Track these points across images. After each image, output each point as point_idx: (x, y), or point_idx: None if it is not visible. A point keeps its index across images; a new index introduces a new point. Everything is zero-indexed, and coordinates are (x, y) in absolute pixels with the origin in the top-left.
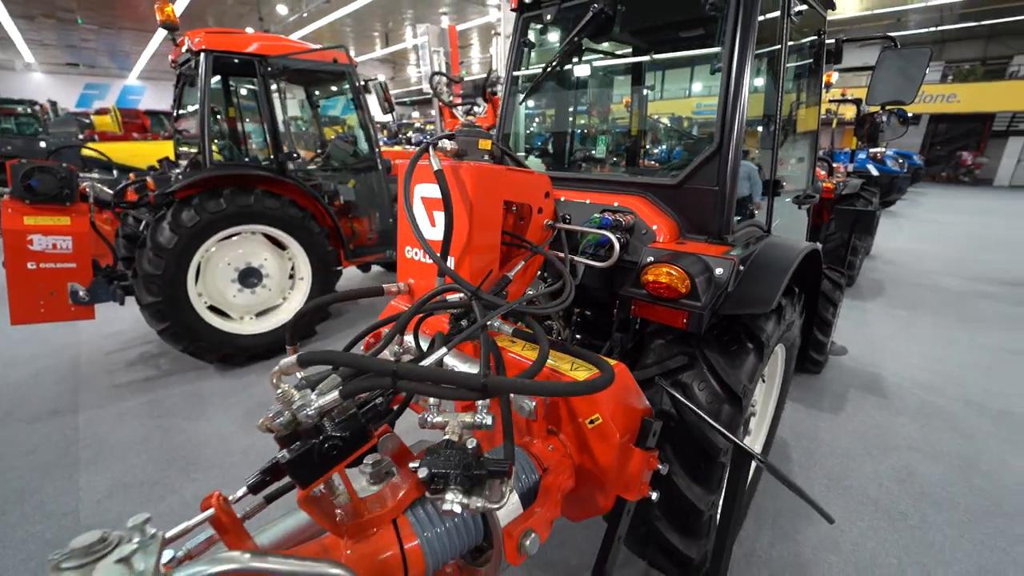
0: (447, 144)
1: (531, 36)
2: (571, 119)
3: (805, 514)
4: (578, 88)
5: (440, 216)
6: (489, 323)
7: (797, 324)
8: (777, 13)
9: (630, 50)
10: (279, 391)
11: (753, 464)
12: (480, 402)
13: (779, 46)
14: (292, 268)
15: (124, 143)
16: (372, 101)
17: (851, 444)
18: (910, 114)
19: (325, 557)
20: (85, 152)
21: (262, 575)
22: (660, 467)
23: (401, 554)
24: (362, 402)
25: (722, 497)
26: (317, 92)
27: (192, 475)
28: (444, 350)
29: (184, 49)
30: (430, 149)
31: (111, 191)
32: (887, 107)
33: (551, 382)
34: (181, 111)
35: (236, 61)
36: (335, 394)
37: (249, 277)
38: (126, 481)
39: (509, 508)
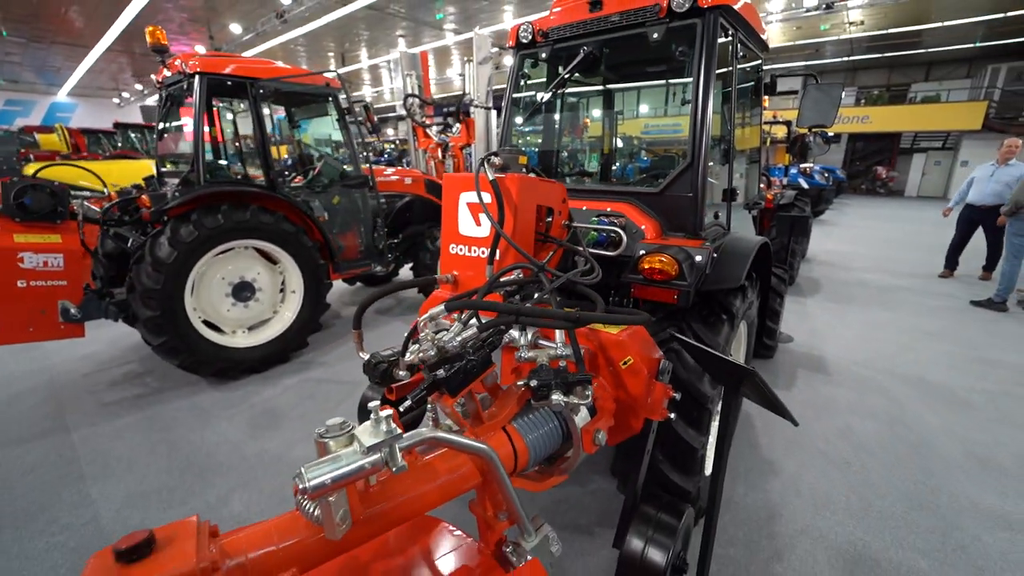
0: (495, 160)
1: (526, 69)
2: (559, 139)
3: (769, 470)
4: (567, 112)
5: (483, 217)
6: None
7: (755, 305)
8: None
9: (601, 81)
10: (425, 332)
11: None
12: (558, 339)
13: (729, 88)
14: (283, 282)
15: (68, 165)
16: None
17: (802, 411)
18: (831, 134)
19: None
20: (27, 172)
21: (447, 445)
22: (675, 395)
23: (513, 450)
24: (485, 337)
25: (712, 440)
26: (303, 113)
27: (209, 479)
28: (540, 296)
29: (175, 71)
30: (484, 164)
31: (98, 209)
32: (813, 129)
33: (621, 313)
34: (163, 130)
35: (229, 84)
36: (474, 330)
37: (243, 291)
38: (142, 490)
39: (582, 415)
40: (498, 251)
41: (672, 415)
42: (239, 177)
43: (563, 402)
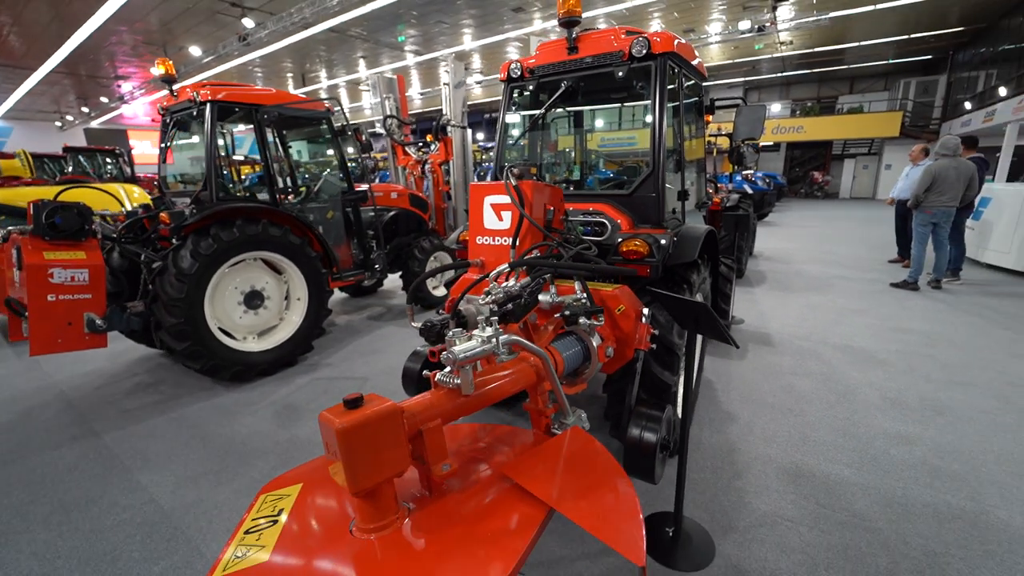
0: (514, 171)
1: (515, 97)
2: (543, 153)
3: (728, 419)
4: (549, 131)
5: (505, 214)
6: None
7: (707, 281)
8: (675, 85)
9: (576, 106)
10: (493, 284)
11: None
12: (578, 290)
13: (678, 111)
14: (287, 291)
15: (31, 187)
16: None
17: (752, 375)
18: (771, 143)
19: None
20: None
21: (523, 347)
22: (655, 331)
23: (554, 360)
24: (534, 284)
25: (682, 379)
26: (296, 135)
27: (251, 462)
28: (576, 250)
29: (183, 99)
30: (507, 173)
31: (113, 227)
32: (745, 141)
33: (618, 267)
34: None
35: (236, 110)
36: (528, 279)
37: (253, 299)
38: (189, 475)
39: (596, 339)
40: (519, 236)
41: (653, 346)
42: (246, 195)
43: (586, 324)
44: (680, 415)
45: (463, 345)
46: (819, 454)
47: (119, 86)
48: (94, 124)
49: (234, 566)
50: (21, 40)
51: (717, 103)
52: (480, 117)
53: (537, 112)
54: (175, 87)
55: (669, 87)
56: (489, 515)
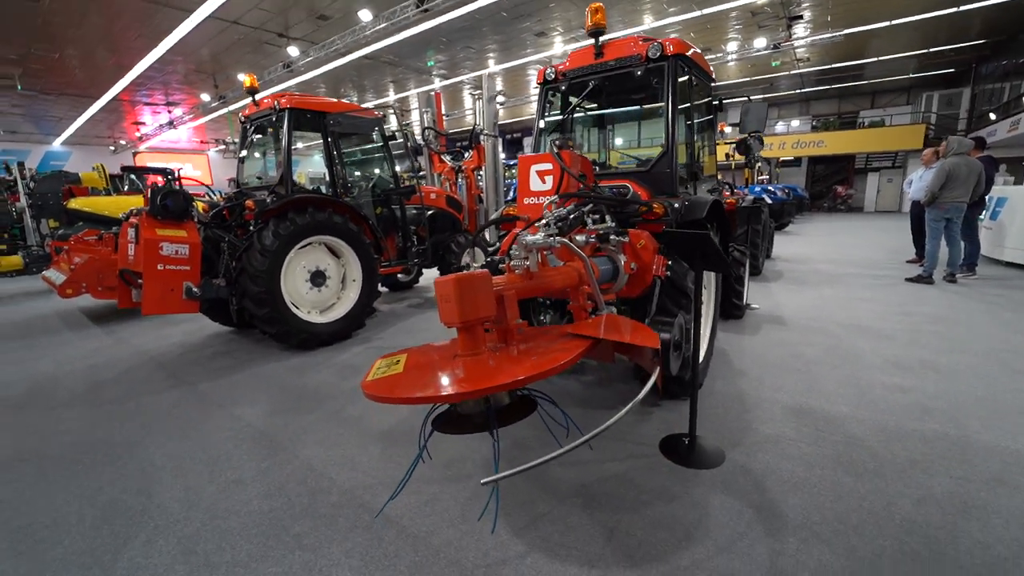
0: (557, 142)
1: (549, 97)
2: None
3: (739, 375)
4: (579, 128)
5: (548, 178)
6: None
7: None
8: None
9: (601, 106)
10: (546, 213)
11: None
12: (609, 222)
13: (689, 106)
14: (344, 274)
15: (107, 198)
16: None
17: (763, 346)
18: (792, 158)
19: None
20: (72, 207)
21: (570, 248)
22: (670, 263)
23: (588, 271)
24: (577, 212)
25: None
26: (354, 140)
27: (323, 402)
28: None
29: (264, 107)
30: (552, 146)
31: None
32: (752, 134)
33: (659, 200)
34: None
35: (309, 116)
36: (573, 207)
37: (317, 278)
38: (274, 409)
39: (622, 258)
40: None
41: (669, 273)
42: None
43: (615, 242)
44: (692, 350)
45: (530, 237)
46: (822, 398)
47: (170, 111)
48: (142, 148)
49: (380, 374)
50: (90, 71)
51: (725, 101)
52: (503, 136)
53: (571, 110)
54: (256, 97)
55: (680, 81)
56: (547, 346)
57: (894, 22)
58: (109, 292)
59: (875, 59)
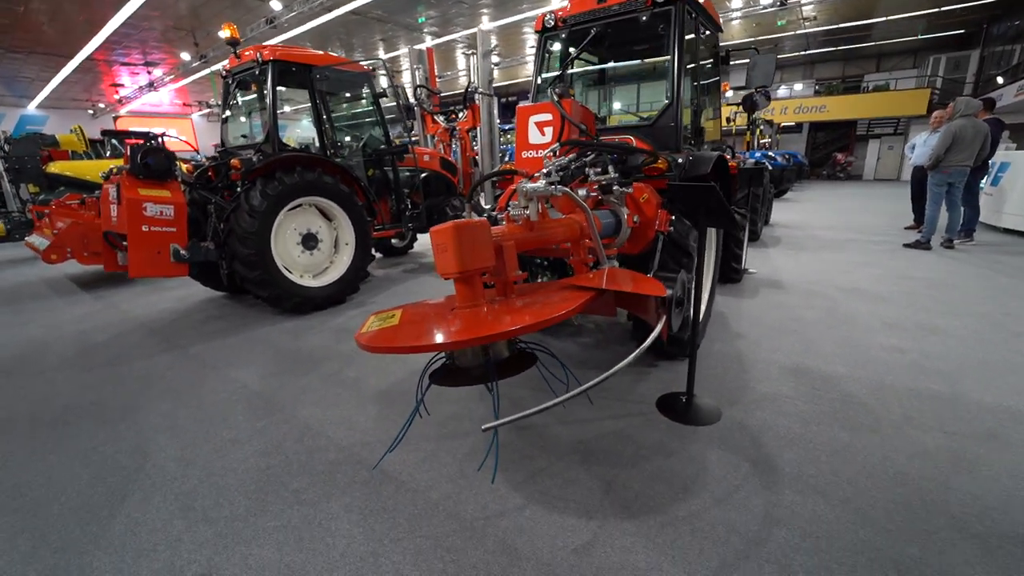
0: (558, 90)
1: (548, 47)
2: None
3: (737, 337)
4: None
5: (548, 130)
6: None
7: None
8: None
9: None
10: (548, 163)
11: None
12: (611, 172)
13: (695, 58)
14: (336, 237)
15: (88, 162)
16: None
17: (761, 309)
18: (793, 123)
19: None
20: (52, 171)
21: (572, 198)
22: (673, 218)
23: (590, 223)
24: (579, 161)
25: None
26: (343, 96)
27: (320, 363)
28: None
29: (246, 60)
30: (552, 95)
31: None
32: (758, 88)
33: (647, 152)
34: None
35: (294, 69)
36: (575, 156)
37: (309, 241)
38: (270, 371)
39: (624, 211)
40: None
41: (671, 228)
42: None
43: (618, 192)
44: (692, 311)
45: (531, 185)
46: (819, 358)
47: (149, 72)
48: (123, 111)
49: (376, 326)
50: (60, 27)
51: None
52: (499, 99)
53: (573, 58)
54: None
55: (687, 28)
56: (548, 298)
57: None
58: (95, 257)
59: (883, 19)
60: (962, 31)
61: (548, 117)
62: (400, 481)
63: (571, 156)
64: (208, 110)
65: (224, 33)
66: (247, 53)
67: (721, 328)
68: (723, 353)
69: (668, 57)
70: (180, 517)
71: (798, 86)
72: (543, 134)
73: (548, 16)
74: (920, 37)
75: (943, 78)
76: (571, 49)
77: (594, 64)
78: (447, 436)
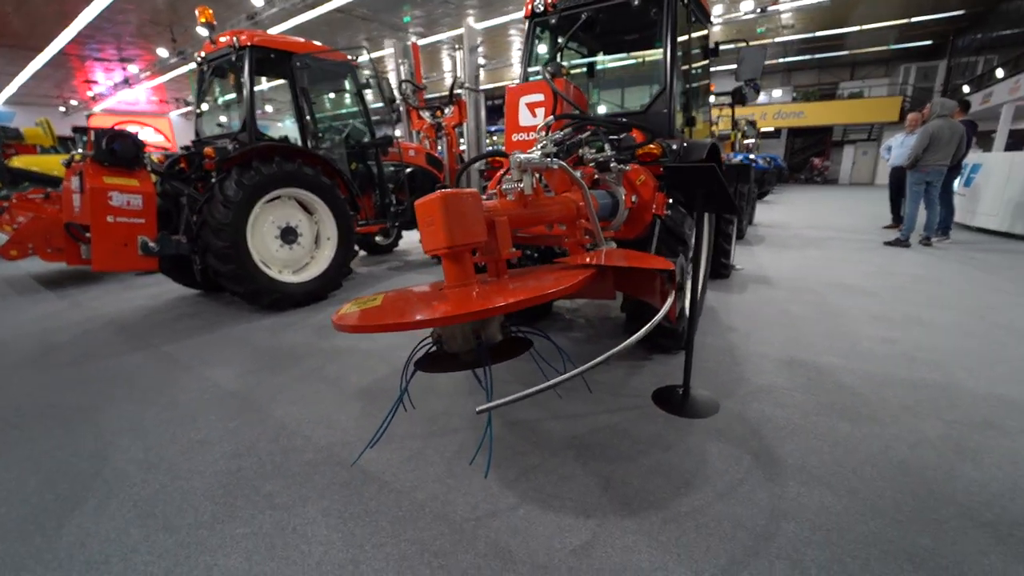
0: (550, 69)
1: (538, 33)
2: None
3: (728, 330)
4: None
5: (539, 111)
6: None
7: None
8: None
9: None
10: (540, 137)
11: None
12: (607, 150)
13: (687, 36)
14: (318, 232)
15: (55, 156)
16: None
17: (750, 304)
18: (772, 129)
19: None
20: (14, 165)
21: (568, 173)
22: (670, 200)
23: (587, 201)
24: (573, 138)
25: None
26: (325, 86)
27: (300, 360)
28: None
29: (222, 46)
30: (544, 74)
31: (159, 163)
32: (748, 82)
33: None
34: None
35: (273, 56)
36: (570, 130)
37: (288, 235)
38: (246, 369)
39: (621, 191)
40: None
41: (669, 212)
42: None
43: (616, 168)
44: (688, 308)
45: (525, 155)
46: (810, 350)
47: (124, 68)
48: (96, 109)
49: (358, 307)
50: (22, 20)
51: (721, 46)
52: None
53: (563, 44)
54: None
55: (679, 14)
56: (543, 278)
57: None
58: (59, 254)
59: (857, 28)
60: (931, 42)
61: (540, 98)
62: (383, 481)
63: (565, 131)
64: (187, 108)
65: (200, 22)
66: (223, 39)
67: (712, 322)
68: (715, 347)
69: (660, 43)
70: (138, 525)
71: (776, 92)
72: (534, 116)
73: (537, 1)
74: (891, 47)
75: (914, 86)
76: (560, 39)
77: (584, 56)
78: (435, 433)
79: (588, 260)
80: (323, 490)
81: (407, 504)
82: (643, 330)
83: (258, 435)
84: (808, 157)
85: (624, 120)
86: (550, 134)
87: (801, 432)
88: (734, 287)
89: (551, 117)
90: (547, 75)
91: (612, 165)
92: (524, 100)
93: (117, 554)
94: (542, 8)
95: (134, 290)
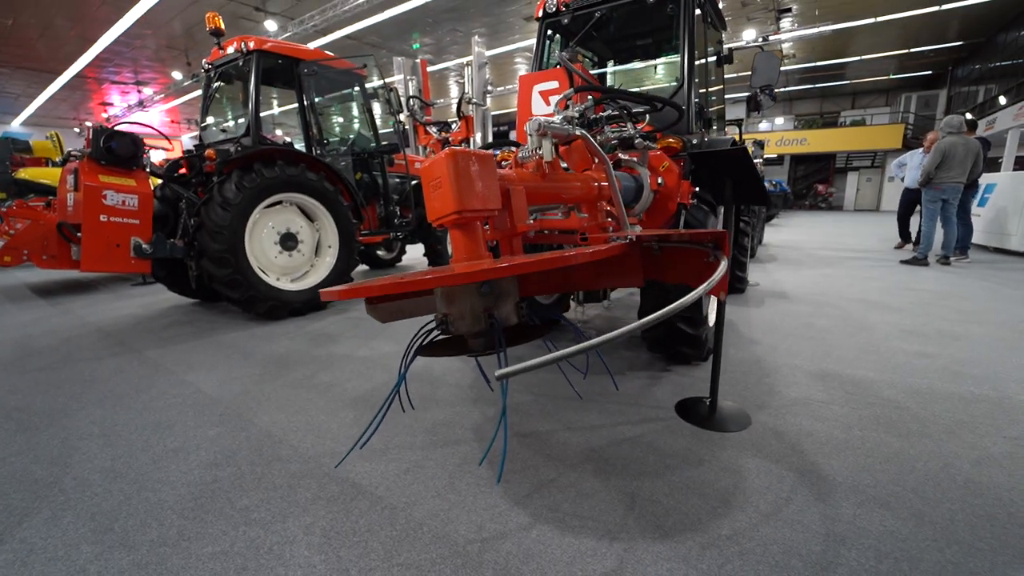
0: (566, 54)
1: (549, 34)
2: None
3: (753, 343)
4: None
5: (553, 98)
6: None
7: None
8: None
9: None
10: (563, 109)
11: None
12: (630, 128)
13: (703, 36)
14: (319, 239)
15: (57, 169)
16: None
17: (772, 318)
18: (775, 155)
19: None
20: (21, 176)
21: (592, 144)
22: (696, 189)
23: (611, 180)
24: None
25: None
26: (332, 95)
27: (292, 368)
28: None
29: (230, 51)
30: (560, 56)
31: (160, 166)
32: (762, 89)
33: (674, 104)
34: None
35: (280, 61)
36: (590, 101)
37: (288, 241)
38: (233, 376)
39: (645, 172)
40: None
41: (694, 200)
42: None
43: (641, 145)
44: (715, 317)
45: (545, 119)
46: (843, 363)
47: (139, 91)
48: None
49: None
50: (45, 44)
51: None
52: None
53: (574, 42)
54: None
55: (697, 15)
56: (564, 251)
57: (879, 19)
58: (54, 261)
59: (857, 58)
60: (930, 72)
61: (555, 85)
62: (376, 496)
63: (587, 104)
64: (197, 132)
65: (209, 29)
66: (231, 47)
67: (733, 334)
68: (740, 358)
69: (676, 42)
70: (92, 541)
71: (779, 120)
72: (548, 104)
73: (549, 1)
74: (891, 77)
75: (915, 114)
76: (570, 43)
77: (594, 61)
78: (435, 444)
79: (618, 233)
80: (307, 505)
81: (402, 522)
82: (690, 296)
83: (239, 444)
84: (812, 184)
85: (656, 96)
86: (572, 106)
87: (847, 448)
88: (751, 301)
89: (571, 89)
90: (563, 58)
91: (637, 142)
92: (538, 88)
93: (60, 574)
94: (554, 8)
95: (126, 299)
